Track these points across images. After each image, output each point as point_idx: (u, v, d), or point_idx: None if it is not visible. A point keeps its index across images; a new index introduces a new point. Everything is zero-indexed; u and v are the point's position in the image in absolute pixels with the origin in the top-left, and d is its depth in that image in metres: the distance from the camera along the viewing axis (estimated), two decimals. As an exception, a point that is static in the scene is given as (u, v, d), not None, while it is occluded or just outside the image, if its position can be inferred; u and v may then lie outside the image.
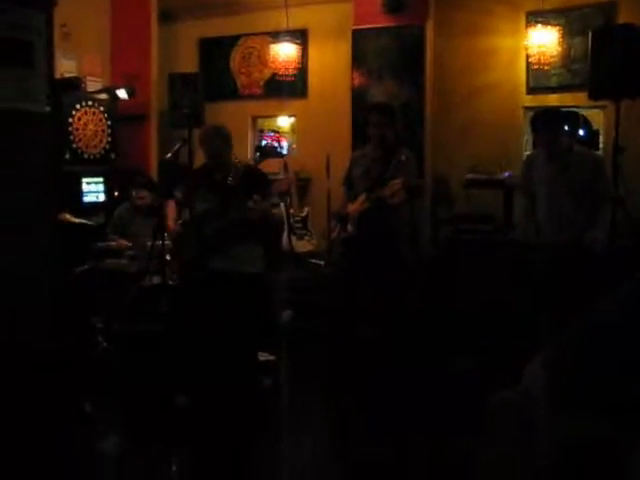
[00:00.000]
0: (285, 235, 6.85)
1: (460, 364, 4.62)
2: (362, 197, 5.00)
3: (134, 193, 5.59)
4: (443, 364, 4.71)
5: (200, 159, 4.78)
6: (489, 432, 1.85)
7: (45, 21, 2.54)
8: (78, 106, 6.13)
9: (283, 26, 7.12)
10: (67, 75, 6.40)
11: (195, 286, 4.52)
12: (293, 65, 7.22)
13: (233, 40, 7.96)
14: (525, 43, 6.37)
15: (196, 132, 4.68)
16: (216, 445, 3.80)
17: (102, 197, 6.33)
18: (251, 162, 5.21)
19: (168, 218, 4.58)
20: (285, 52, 7.16)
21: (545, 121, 4.63)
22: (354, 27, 6.56)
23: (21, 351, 2.69)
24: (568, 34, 6.34)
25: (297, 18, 7.20)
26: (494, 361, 4.40)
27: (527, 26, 6.44)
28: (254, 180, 4.45)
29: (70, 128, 6.02)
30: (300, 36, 7.38)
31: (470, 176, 6.27)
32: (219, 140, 4.55)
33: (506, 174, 6.08)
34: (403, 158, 4.87)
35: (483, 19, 6.75)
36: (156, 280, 4.82)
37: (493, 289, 5.16)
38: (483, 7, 6.72)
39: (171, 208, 4.68)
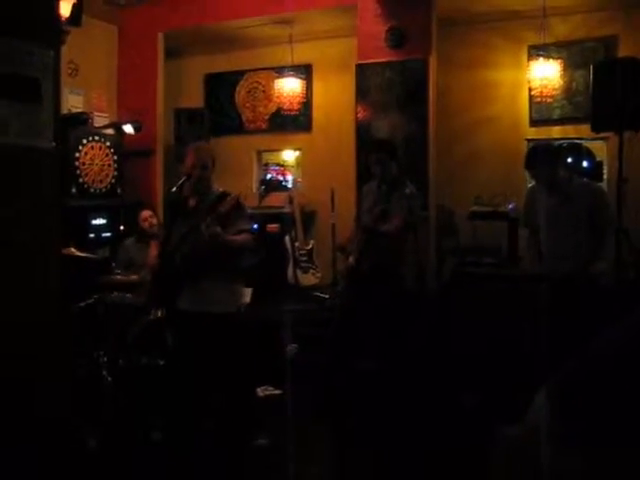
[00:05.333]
0: (290, 268, 6.86)
1: (465, 400, 4.57)
2: (360, 230, 5.04)
3: (139, 216, 5.62)
4: (447, 399, 4.65)
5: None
6: (494, 469, 1.83)
7: (53, 58, 2.58)
8: (85, 141, 6.17)
9: (288, 61, 7.20)
10: (74, 110, 6.47)
11: (170, 326, 4.24)
12: (298, 99, 7.29)
13: (238, 75, 8.06)
14: (527, 76, 6.42)
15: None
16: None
17: (108, 231, 6.35)
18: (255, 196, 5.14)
19: (152, 251, 4.46)
20: (290, 87, 7.24)
21: (538, 157, 4.66)
22: (358, 62, 6.63)
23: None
24: (570, 67, 6.41)
25: (301, 53, 7.29)
26: (499, 396, 4.35)
27: (529, 59, 6.51)
28: (222, 204, 3.90)
29: (77, 163, 6.06)
30: (304, 71, 7.48)
31: (475, 208, 6.29)
32: (205, 155, 4.08)
33: (510, 206, 6.09)
34: (407, 192, 4.90)
35: (485, 53, 6.84)
36: (160, 314, 4.80)
37: (498, 322, 5.13)
38: (485, 41, 6.81)
39: (154, 243, 4.58)
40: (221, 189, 4.11)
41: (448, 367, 4.86)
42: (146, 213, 5.64)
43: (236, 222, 3.92)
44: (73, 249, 5.15)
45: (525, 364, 4.29)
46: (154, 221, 5.62)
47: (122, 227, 6.42)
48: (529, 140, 6.51)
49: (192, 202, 4.12)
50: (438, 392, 4.61)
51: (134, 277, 5.30)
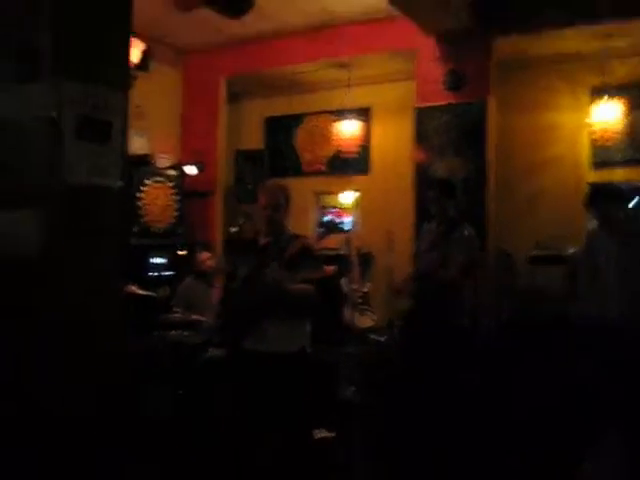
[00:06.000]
0: (347, 311, 6.85)
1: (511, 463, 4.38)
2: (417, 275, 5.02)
3: (197, 258, 5.72)
4: (495, 459, 4.46)
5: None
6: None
7: (123, 101, 2.69)
8: (148, 181, 6.34)
9: (346, 105, 7.29)
10: (139, 152, 6.64)
11: (233, 366, 4.13)
12: (356, 142, 7.36)
13: (298, 118, 8.18)
14: (588, 119, 6.36)
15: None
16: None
17: (167, 270, 6.46)
18: (312, 238, 5.11)
19: (217, 290, 4.37)
20: (348, 129, 7.32)
21: (599, 196, 4.59)
22: (416, 105, 6.68)
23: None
24: (632, 108, 6.32)
25: (360, 97, 7.38)
26: (547, 462, 4.18)
27: (590, 101, 6.45)
28: (291, 247, 3.81)
29: (139, 202, 6.21)
30: (363, 114, 7.55)
31: (535, 252, 6.21)
32: (278, 195, 3.97)
33: (571, 250, 5.99)
34: (466, 233, 4.88)
35: (545, 95, 6.81)
36: (217, 352, 4.85)
37: (556, 372, 4.99)
38: (545, 83, 6.78)
39: (218, 280, 4.52)
40: (293, 232, 4.01)
41: (505, 425, 4.74)
42: (204, 255, 5.75)
43: (304, 269, 3.78)
44: (134, 287, 5.27)
45: (584, 422, 4.15)
46: (211, 263, 5.73)
47: (181, 266, 6.52)
48: (590, 184, 6.41)
49: (263, 241, 4.02)
50: (492, 449, 4.49)
51: (194, 316, 5.37)
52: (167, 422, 4.76)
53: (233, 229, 4.20)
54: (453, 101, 6.46)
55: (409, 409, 4.98)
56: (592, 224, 5.32)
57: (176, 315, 5.40)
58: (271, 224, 3.94)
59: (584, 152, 6.63)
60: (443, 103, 6.51)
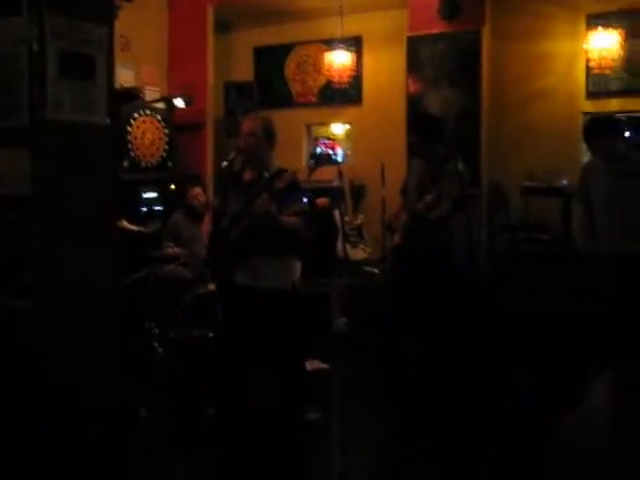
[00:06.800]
0: (339, 243, 6.87)
1: (517, 381, 4.51)
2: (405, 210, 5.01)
3: (189, 193, 5.69)
4: (498, 381, 4.60)
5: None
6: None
7: (107, 34, 2.62)
8: (136, 115, 6.25)
9: (337, 34, 7.15)
10: (125, 85, 6.54)
11: (223, 300, 4.23)
12: (348, 72, 7.24)
13: (288, 48, 8.04)
14: (585, 47, 6.25)
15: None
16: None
17: (159, 205, 6.43)
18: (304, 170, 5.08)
19: (206, 225, 4.40)
20: (340, 60, 7.19)
21: (600, 128, 4.55)
22: (409, 34, 6.54)
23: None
24: (629, 36, 6.20)
25: (351, 25, 7.22)
26: (553, 379, 4.28)
27: (587, 29, 6.33)
28: (277, 181, 3.83)
29: (128, 137, 6.15)
30: (355, 43, 7.41)
31: (528, 184, 6.19)
32: (260, 132, 3.98)
33: (564, 182, 5.98)
34: (458, 167, 4.83)
35: (541, 23, 6.66)
36: (211, 287, 4.88)
37: (552, 303, 5.05)
38: (541, 10, 6.63)
39: (209, 215, 4.53)
40: (278, 166, 4.03)
41: (500, 348, 4.83)
42: (196, 190, 5.70)
43: (292, 202, 3.84)
44: (125, 222, 5.26)
45: (582, 347, 4.22)
46: (203, 198, 5.70)
47: (172, 201, 6.49)
48: (585, 113, 6.35)
49: (247, 176, 4.07)
50: (489, 372, 4.58)
51: (184, 251, 5.38)
52: (159, 355, 4.83)
53: (224, 163, 4.14)
54: (447, 30, 6.33)
55: (400, 341, 5.05)
56: (588, 156, 5.29)
57: (168, 250, 5.41)
58: (248, 153, 3.99)
59: (579, 82, 6.54)
60: (437, 32, 6.39)
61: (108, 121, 2.63)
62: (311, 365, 5.06)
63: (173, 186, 6.46)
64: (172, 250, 5.39)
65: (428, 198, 4.76)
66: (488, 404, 4.24)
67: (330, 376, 4.83)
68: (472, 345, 4.76)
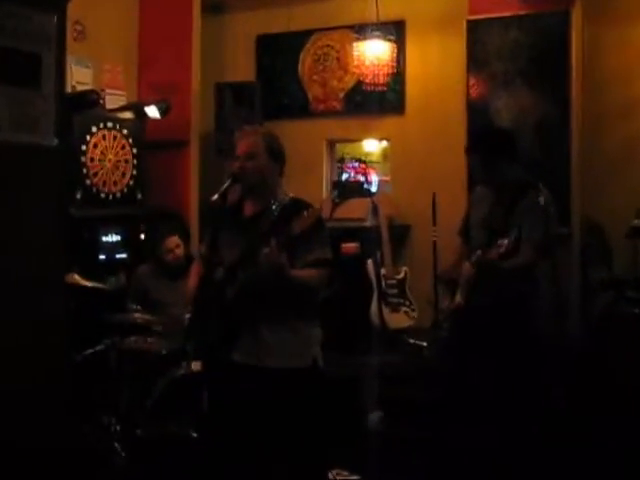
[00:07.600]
0: (374, 305, 6.90)
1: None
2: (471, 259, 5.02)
3: (163, 243, 5.74)
4: None
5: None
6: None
7: (57, 25, 2.70)
8: (94, 129, 6.30)
9: (372, 17, 7.26)
10: (81, 88, 6.62)
11: (213, 384, 4.21)
12: (385, 70, 7.33)
13: (303, 37, 8.15)
14: None
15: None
16: None
17: (123, 252, 6.48)
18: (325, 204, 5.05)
19: (190, 281, 4.34)
20: (374, 52, 7.29)
21: None
22: (470, 17, 6.65)
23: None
24: None
25: (390, 6, 7.35)
26: None
27: None
28: (295, 220, 3.68)
29: (83, 159, 6.20)
30: (394, 30, 7.51)
31: (637, 223, 6.21)
32: (262, 150, 3.97)
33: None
34: (540, 201, 4.85)
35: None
36: (195, 366, 4.91)
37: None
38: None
39: (195, 266, 4.49)
40: (291, 195, 4.02)
41: (603, 440, 4.80)
42: (172, 241, 5.74)
43: (312, 247, 3.81)
44: (77, 276, 5.33)
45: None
46: (180, 252, 5.73)
47: (141, 246, 6.53)
48: None
49: (248, 211, 4.08)
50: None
51: (157, 317, 5.42)
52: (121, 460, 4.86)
53: (214, 197, 4.16)
54: (523, 11, 6.43)
55: (462, 444, 5.04)
56: None
57: (134, 315, 5.46)
58: (245, 179, 3.96)
59: None
60: (509, 14, 6.48)
61: (56, 142, 2.69)
62: (336, 476, 5.06)
63: (141, 228, 6.52)
64: (140, 315, 5.44)
65: (504, 243, 4.72)
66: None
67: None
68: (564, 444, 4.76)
